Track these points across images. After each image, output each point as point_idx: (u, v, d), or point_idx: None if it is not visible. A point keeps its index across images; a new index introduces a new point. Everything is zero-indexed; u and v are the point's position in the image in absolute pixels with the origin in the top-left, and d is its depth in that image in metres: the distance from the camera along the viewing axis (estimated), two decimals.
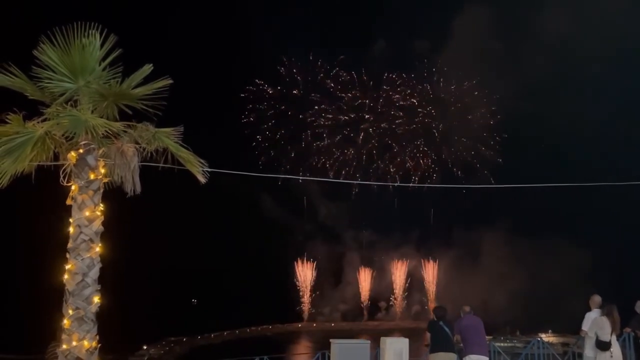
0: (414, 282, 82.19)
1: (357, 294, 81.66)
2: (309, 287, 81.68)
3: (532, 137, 71.36)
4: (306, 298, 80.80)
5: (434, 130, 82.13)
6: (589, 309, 12.41)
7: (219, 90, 76.95)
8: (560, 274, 57.83)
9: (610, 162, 58.06)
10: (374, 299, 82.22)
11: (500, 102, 74.90)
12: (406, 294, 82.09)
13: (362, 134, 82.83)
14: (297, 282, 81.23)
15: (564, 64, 66.37)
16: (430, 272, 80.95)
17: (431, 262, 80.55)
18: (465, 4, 72.43)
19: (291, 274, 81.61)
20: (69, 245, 7.27)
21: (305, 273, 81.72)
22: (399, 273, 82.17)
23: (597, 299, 12.41)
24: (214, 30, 77.07)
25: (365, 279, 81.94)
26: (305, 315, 79.24)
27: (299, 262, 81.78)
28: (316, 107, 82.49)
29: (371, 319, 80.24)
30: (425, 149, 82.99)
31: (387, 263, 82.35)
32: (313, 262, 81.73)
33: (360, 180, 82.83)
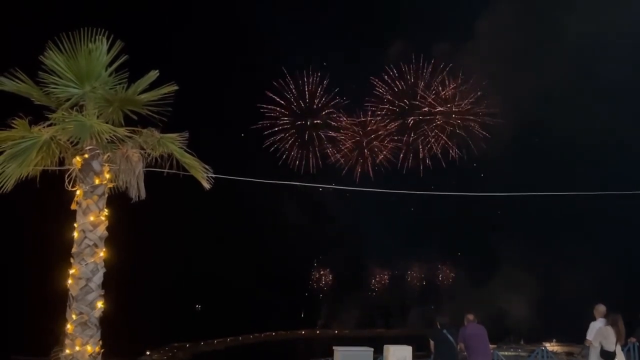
0: (429, 289, 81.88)
1: (373, 300, 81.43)
2: (320, 293, 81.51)
3: (549, 142, 70.81)
4: (318, 304, 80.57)
5: (448, 135, 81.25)
6: (593, 319, 12.36)
7: (228, 95, 76.75)
8: (575, 283, 57.26)
9: (631, 169, 57.09)
10: (389, 306, 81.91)
11: (520, 106, 73.69)
12: (419, 300, 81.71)
13: (373, 140, 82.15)
14: (307, 288, 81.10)
15: (585, 67, 65.28)
16: (444, 279, 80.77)
17: (445, 269, 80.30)
18: (485, 4, 71.10)
19: (297, 280, 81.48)
20: (73, 250, 7.29)
21: (316, 279, 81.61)
22: (414, 280, 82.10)
23: (601, 308, 12.34)
24: (223, 35, 77.11)
25: (381, 286, 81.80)
26: (321, 321, 78.80)
27: (309, 268, 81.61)
28: (332, 115, 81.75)
29: (386, 326, 79.79)
30: (440, 155, 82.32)
31: (403, 270, 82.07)
32: (325, 268, 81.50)
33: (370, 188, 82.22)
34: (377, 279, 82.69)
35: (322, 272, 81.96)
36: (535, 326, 57.35)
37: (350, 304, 79.97)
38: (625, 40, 59.55)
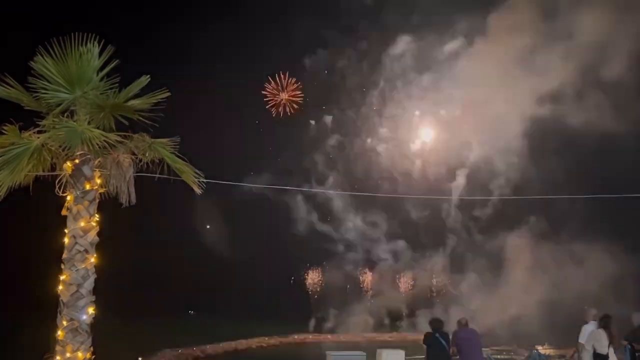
0: (426, 292, 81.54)
1: (372, 304, 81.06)
2: (320, 296, 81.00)
3: (558, 142, 70.59)
4: (317, 307, 79.95)
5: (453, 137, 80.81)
6: (585, 322, 12.39)
7: (223, 97, 76.14)
8: (580, 286, 56.89)
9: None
10: (393, 310, 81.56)
11: (528, 105, 73.17)
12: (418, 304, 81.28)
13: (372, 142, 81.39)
14: (305, 291, 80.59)
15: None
16: (447, 283, 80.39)
17: (448, 272, 79.87)
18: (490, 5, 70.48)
19: (296, 285, 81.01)
20: (64, 255, 7.23)
21: (313, 281, 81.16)
22: (417, 283, 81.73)
23: (593, 311, 12.39)
24: (217, 38, 76.76)
25: (380, 288, 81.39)
26: (327, 326, 78.21)
27: (308, 272, 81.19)
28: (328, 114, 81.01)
29: (393, 329, 79.36)
30: (444, 156, 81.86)
31: (407, 274, 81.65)
32: (324, 269, 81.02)
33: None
34: (376, 282, 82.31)
35: (321, 275, 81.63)
36: (530, 329, 57.36)
37: (349, 307, 79.71)
38: None
